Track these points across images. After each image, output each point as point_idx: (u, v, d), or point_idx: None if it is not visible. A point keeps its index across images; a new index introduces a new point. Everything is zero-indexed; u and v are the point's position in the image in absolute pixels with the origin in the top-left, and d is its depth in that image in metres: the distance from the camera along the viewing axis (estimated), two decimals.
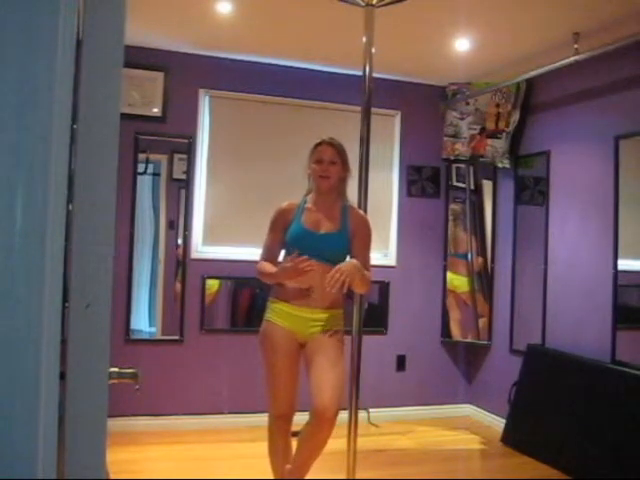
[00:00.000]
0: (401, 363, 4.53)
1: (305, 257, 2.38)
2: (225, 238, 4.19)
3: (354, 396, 2.57)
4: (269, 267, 2.54)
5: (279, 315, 2.54)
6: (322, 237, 2.54)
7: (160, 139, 4.04)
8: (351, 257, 2.52)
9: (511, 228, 4.30)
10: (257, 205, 4.24)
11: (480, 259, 4.55)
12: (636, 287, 3.55)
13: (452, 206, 4.64)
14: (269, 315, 2.57)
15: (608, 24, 3.18)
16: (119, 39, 0.89)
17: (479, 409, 4.54)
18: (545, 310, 3.96)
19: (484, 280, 4.54)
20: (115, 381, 1.04)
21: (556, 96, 3.98)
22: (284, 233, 2.59)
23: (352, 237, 2.56)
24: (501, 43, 3.64)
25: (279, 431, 2.59)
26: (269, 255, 2.60)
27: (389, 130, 4.53)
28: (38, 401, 0.72)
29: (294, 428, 2.70)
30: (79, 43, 0.86)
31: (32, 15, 0.72)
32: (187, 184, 4.09)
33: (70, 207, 0.85)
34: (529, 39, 3.51)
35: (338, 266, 2.34)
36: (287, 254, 2.56)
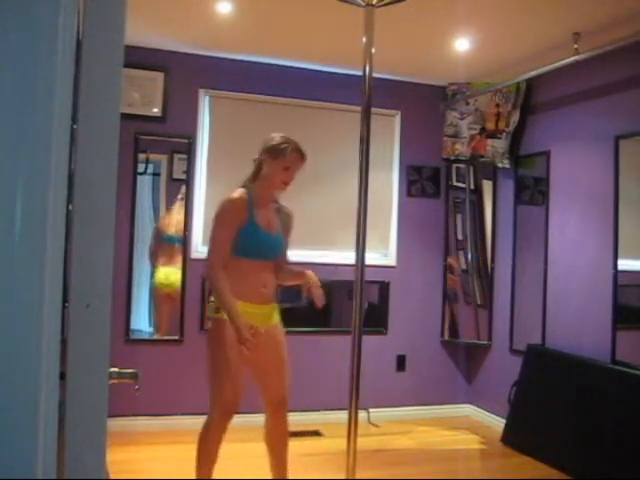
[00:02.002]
0: (401, 363, 4.53)
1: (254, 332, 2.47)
2: None
3: (354, 396, 2.57)
4: (231, 298, 2.50)
5: None
6: (275, 239, 2.65)
7: (160, 139, 4.04)
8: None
9: (511, 228, 4.30)
10: None
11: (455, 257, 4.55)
12: (636, 287, 3.55)
13: (452, 206, 4.64)
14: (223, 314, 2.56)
15: (608, 24, 3.18)
16: (119, 39, 0.89)
17: (479, 409, 4.54)
18: (545, 310, 3.96)
19: (482, 279, 4.54)
20: (115, 381, 1.04)
21: (556, 96, 3.98)
22: (236, 231, 2.56)
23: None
24: (501, 43, 3.64)
25: (223, 430, 2.60)
26: (222, 256, 2.54)
27: (389, 130, 4.53)
28: (38, 401, 0.72)
29: (289, 428, 2.73)
30: (79, 43, 0.86)
31: (32, 15, 0.72)
32: (187, 184, 4.09)
33: (70, 207, 0.85)
34: (529, 39, 3.51)
35: (317, 281, 2.66)
36: (239, 254, 2.56)
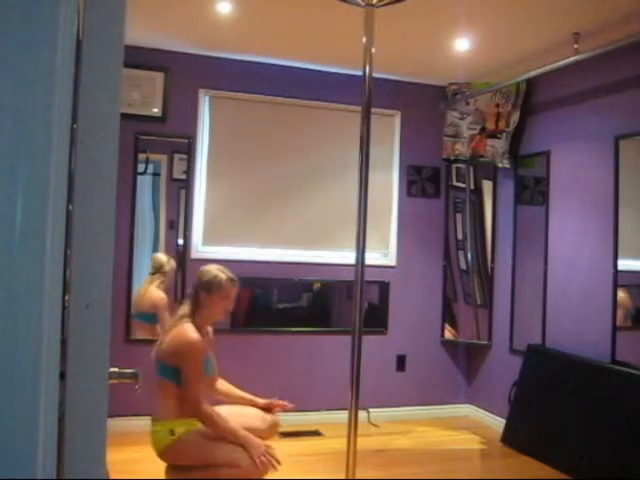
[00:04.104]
0: (401, 363, 4.53)
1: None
2: (225, 238, 4.19)
3: (354, 396, 2.57)
4: (230, 426, 2.59)
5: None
6: (213, 362, 2.81)
7: (160, 139, 4.04)
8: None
9: (511, 228, 4.30)
10: (257, 205, 4.25)
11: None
12: (636, 287, 3.55)
13: (452, 206, 4.65)
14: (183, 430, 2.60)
15: (608, 24, 3.18)
16: (119, 39, 0.89)
17: (479, 409, 4.54)
18: (545, 310, 3.96)
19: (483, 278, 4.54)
20: (115, 381, 1.04)
21: (556, 96, 3.98)
22: None
23: None
24: (501, 43, 3.64)
25: None
26: (201, 389, 2.62)
27: (389, 130, 4.53)
28: (38, 401, 0.72)
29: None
30: (79, 43, 0.86)
31: (32, 15, 0.72)
32: (187, 184, 4.09)
33: (70, 207, 0.85)
34: (529, 39, 3.51)
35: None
36: None
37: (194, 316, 2.67)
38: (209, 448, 2.59)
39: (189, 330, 2.60)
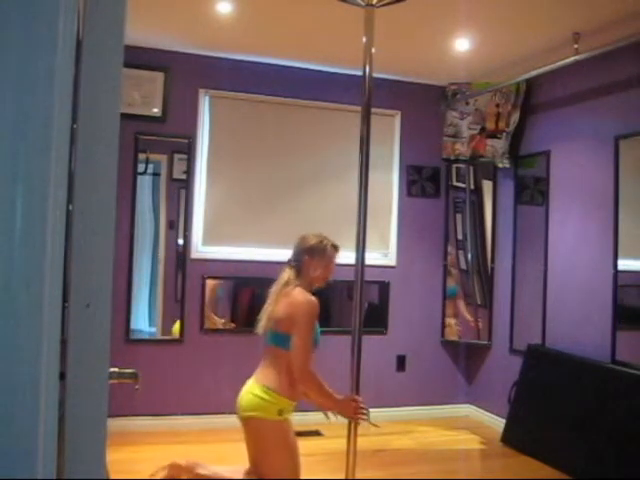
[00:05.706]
0: (401, 363, 4.52)
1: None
2: (225, 238, 4.19)
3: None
4: (329, 390, 2.58)
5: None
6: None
7: (160, 139, 4.04)
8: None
9: (511, 228, 4.30)
10: (257, 205, 4.24)
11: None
12: (636, 287, 3.54)
13: (452, 206, 4.65)
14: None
15: (608, 24, 3.18)
16: (119, 39, 0.89)
17: (479, 409, 4.53)
18: (545, 310, 3.96)
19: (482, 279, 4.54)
20: (115, 381, 1.04)
21: (556, 96, 3.98)
22: None
23: None
24: (501, 43, 3.64)
25: None
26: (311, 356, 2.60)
27: (389, 130, 4.53)
28: (38, 401, 0.72)
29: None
30: (79, 43, 0.85)
31: (32, 15, 0.72)
32: (187, 184, 4.09)
33: (70, 207, 0.85)
34: (529, 39, 3.51)
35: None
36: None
37: (299, 280, 2.64)
38: (283, 448, 2.55)
39: (302, 292, 2.60)
